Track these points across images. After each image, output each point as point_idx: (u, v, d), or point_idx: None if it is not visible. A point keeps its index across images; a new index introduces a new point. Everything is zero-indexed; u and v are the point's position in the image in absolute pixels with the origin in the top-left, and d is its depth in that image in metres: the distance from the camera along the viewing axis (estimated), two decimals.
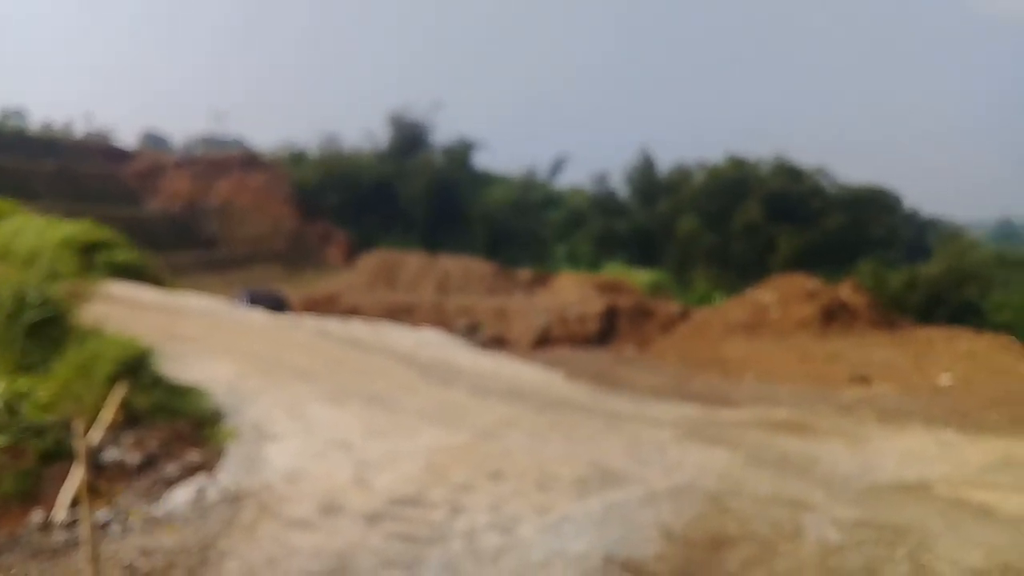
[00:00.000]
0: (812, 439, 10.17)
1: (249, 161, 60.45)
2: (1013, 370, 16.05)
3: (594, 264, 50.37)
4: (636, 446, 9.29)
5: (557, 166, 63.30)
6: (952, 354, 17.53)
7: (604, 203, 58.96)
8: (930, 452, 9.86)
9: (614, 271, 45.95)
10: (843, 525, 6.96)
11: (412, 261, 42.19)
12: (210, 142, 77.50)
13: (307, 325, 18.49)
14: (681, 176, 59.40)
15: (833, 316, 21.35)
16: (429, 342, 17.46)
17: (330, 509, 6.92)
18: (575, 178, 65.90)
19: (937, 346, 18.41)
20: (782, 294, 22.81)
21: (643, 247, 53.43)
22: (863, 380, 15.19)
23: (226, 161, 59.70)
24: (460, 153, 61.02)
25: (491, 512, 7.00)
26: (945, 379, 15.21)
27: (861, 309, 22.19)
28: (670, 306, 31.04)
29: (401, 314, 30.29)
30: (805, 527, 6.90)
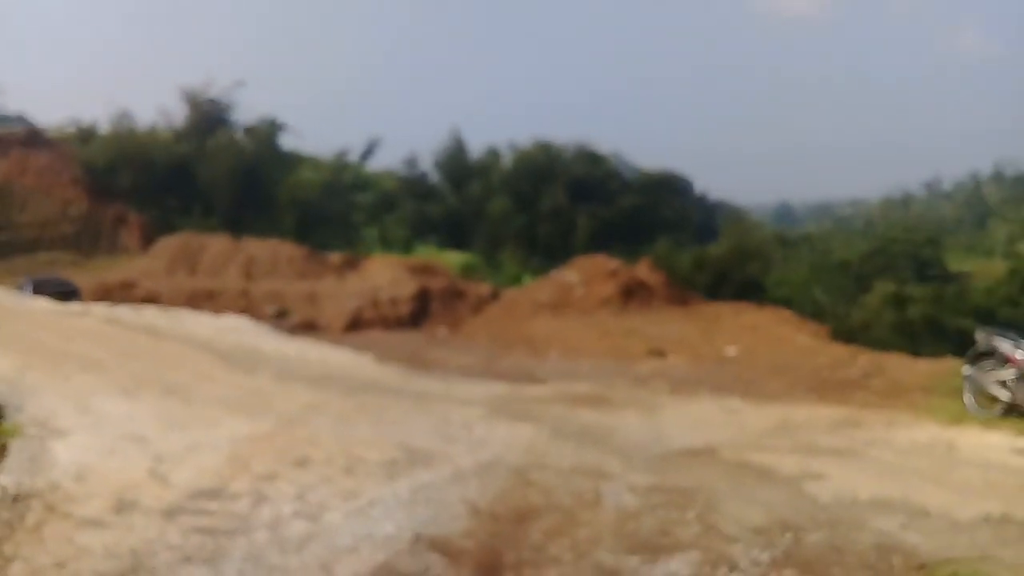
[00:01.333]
0: (610, 411, 10.68)
1: (32, 139, 55.52)
2: (791, 340, 17.54)
3: (406, 247, 50.28)
4: (444, 426, 9.41)
5: (370, 148, 62.47)
6: (738, 327, 18.91)
7: (415, 186, 58.93)
8: (717, 419, 10.60)
9: (426, 254, 46.08)
10: (638, 491, 7.34)
11: (215, 245, 40.36)
12: None
13: (97, 313, 17.38)
14: (491, 159, 60.36)
15: (632, 294, 22.50)
16: (232, 329, 16.85)
17: (123, 506, 6.57)
18: (389, 161, 65.17)
19: (724, 320, 19.81)
20: (586, 274, 23.77)
21: (454, 229, 53.87)
22: (658, 353, 16.11)
23: (5, 139, 54.56)
24: (266, 133, 58.80)
25: (297, 500, 6.88)
26: (731, 350, 16.40)
27: (657, 287, 23.53)
28: (481, 287, 31.62)
29: (203, 300, 29.06)
30: (604, 495, 7.22)
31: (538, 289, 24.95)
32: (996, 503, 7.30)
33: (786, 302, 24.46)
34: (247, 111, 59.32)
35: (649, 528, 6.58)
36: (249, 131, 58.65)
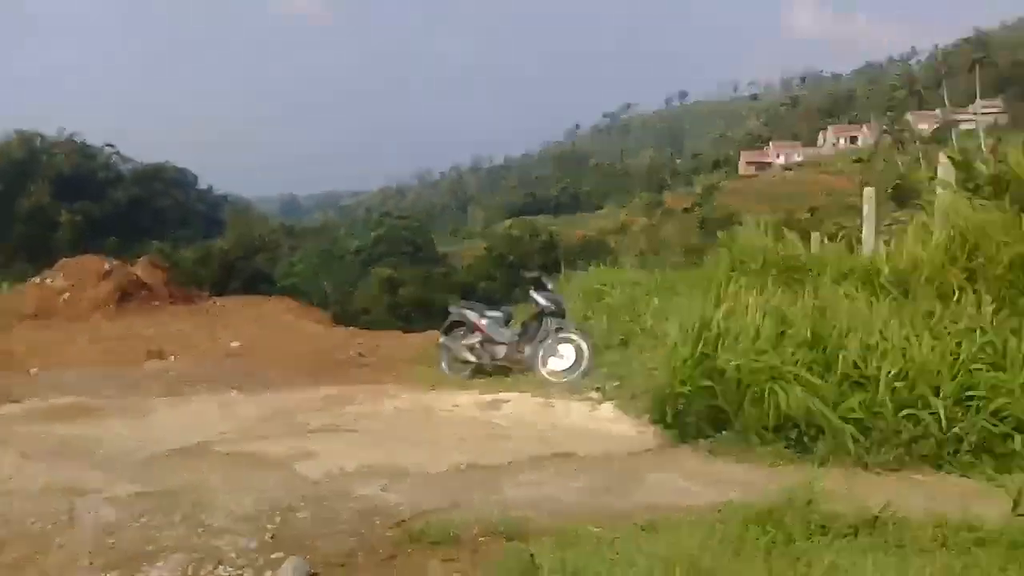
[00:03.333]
0: (95, 421, 9.94)
1: None
2: (295, 328, 17.95)
3: None
4: None
5: None
6: (244, 320, 18.81)
7: None
8: (212, 414, 10.41)
9: None
10: (121, 502, 6.93)
11: None
12: None
13: None
14: None
15: (129, 295, 21.06)
16: None
17: None
18: None
19: (231, 315, 19.57)
20: (74, 277, 21.67)
21: None
22: (158, 355, 15.36)
23: None
24: None
25: None
26: (235, 344, 16.28)
27: (158, 286, 22.38)
28: None
29: None
30: (81, 513, 6.71)
31: (17, 298, 22.09)
32: (464, 455, 8.23)
33: (294, 290, 25.00)
34: None
35: (131, 539, 6.25)
36: None
